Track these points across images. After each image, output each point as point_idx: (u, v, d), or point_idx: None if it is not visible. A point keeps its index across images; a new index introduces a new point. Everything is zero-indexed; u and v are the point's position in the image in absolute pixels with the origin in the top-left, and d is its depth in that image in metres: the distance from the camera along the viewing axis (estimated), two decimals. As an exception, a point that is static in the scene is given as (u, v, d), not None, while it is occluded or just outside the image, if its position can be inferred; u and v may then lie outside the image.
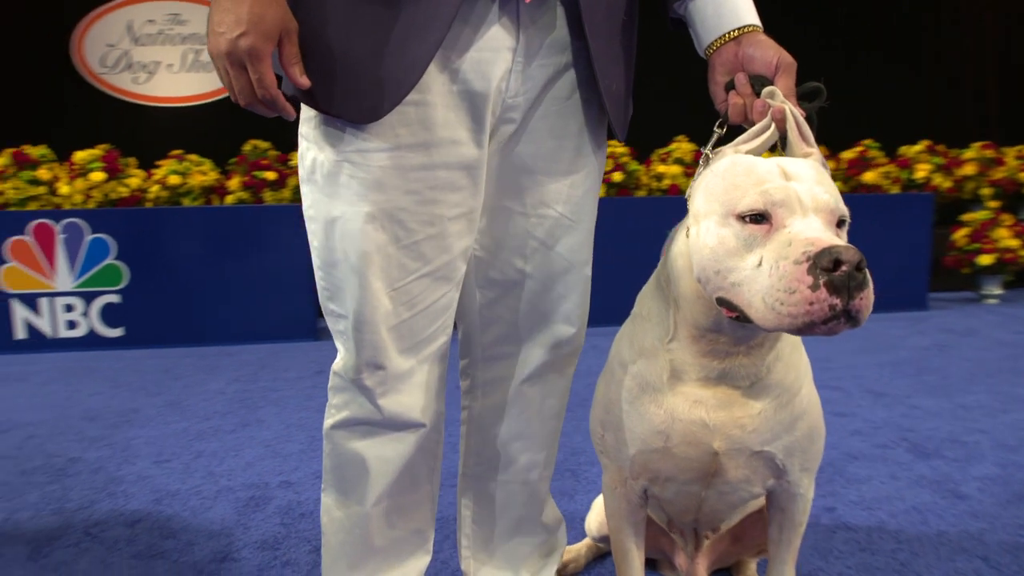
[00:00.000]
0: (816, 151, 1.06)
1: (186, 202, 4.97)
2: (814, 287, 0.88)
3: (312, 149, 1.09)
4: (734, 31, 1.08)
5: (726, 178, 1.00)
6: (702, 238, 1.00)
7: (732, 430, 1.10)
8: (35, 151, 4.78)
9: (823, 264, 0.87)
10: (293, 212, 4.29)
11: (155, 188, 4.92)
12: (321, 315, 4.05)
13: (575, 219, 1.20)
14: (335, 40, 1.02)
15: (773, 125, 1.06)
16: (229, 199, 5.01)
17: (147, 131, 6.32)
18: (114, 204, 4.82)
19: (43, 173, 4.67)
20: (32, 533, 1.96)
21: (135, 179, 4.94)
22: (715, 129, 1.10)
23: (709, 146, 1.08)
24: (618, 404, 1.17)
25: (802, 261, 0.89)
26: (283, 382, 3.48)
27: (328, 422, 1.18)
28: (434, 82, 1.05)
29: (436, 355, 1.18)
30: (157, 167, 4.99)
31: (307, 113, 1.09)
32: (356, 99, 1.03)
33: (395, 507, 1.19)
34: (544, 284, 1.22)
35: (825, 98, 1.10)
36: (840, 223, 0.98)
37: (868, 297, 0.89)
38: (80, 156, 4.83)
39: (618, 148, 5.24)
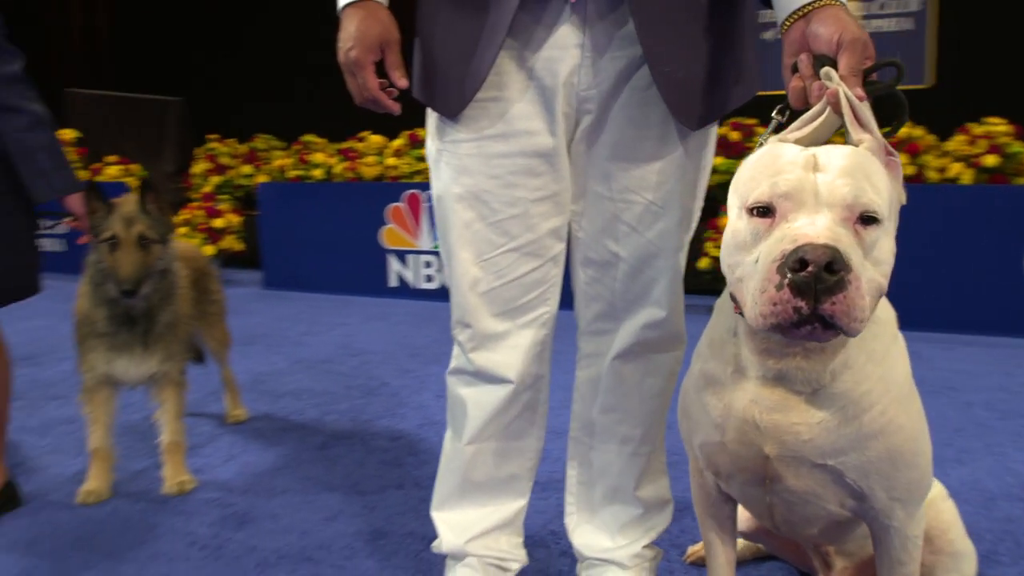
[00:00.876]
0: (869, 137, 0.95)
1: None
2: (779, 287, 0.84)
3: (428, 139, 1.31)
4: (805, 7, 1.01)
5: (750, 169, 0.97)
6: (725, 231, 0.99)
7: (785, 436, 1.05)
8: (423, 132, 5.75)
9: (789, 264, 0.83)
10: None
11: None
12: None
13: (664, 206, 1.23)
14: (437, 47, 1.22)
15: (829, 109, 0.98)
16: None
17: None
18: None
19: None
20: (329, 431, 2.55)
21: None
22: (773, 115, 1.05)
23: (766, 134, 1.03)
24: (689, 393, 1.18)
25: (777, 259, 0.85)
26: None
27: (448, 369, 1.40)
28: (512, 79, 1.19)
29: (536, 323, 1.32)
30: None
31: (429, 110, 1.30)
32: (446, 96, 1.22)
33: (492, 450, 1.37)
34: (635, 267, 1.27)
35: (899, 77, 0.97)
36: (866, 220, 0.88)
37: (844, 302, 0.82)
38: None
39: (999, 125, 4.44)
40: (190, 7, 7.88)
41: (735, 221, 0.96)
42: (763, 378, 1.05)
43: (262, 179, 6.45)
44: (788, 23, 1.02)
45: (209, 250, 5.71)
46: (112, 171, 6.53)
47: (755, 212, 0.92)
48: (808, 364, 1.01)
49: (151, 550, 1.75)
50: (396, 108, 1.22)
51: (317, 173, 6.04)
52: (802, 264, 0.81)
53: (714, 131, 1.26)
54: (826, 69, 0.96)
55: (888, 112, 0.98)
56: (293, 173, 6.24)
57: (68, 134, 6.72)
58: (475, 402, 1.34)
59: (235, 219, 5.87)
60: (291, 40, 7.35)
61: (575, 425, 1.43)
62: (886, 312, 1.06)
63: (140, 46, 8.78)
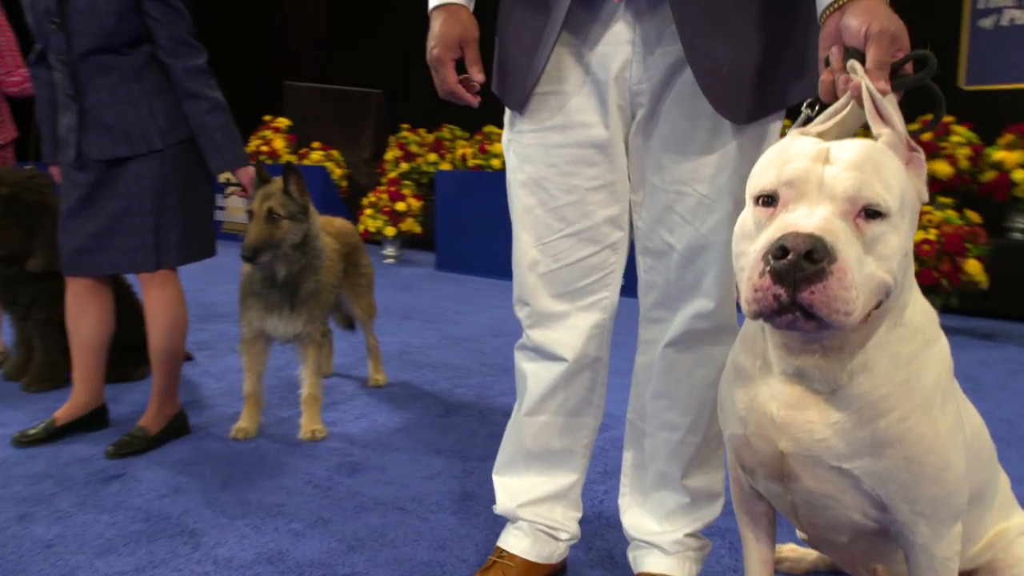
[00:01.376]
0: (889, 131, 0.93)
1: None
2: (761, 274, 0.86)
3: (504, 130, 1.41)
4: (834, 4, 0.99)
5: (764, 159, 0.98)
6: (736, 222, 1.00)
7: (799, 433, 1.04)
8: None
9: (772, 251, 0.84)
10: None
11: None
12: None
13: (716, 199, 1.24)
14: (509, 44, 1.32)
15: (853, 103, 0.96)
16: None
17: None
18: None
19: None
20: (454, 402, 2.74)
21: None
22: (803, 109, 1.04)
23: (794, 127, 1.03)
24: (722, 385, 1.19)
25: (765, 247, 0.87)
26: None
27: (516, 343, 1.50)
28: (570, 74, 1.26)
29: (595, 307, 1.39)
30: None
31: None
32: (512, 91, 1.32)
33: (548, 423, 1.45)
34: (687, 258, 1.29)
35: (931, 70, 0.93)
36: (870, 214, 0.87)
37: (824, 292, 0.82)
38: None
39: None
40: (398, 6, 8.46)
41: (745, 211, 0.98)
42: (785, 374, 1.05)
43: (445, 167, 6.86)
44: (825, 15, 1.01)
45: (390, 231, 6.18)
46: (315, 156, 7.24)
47: (760, 201, 0.94)
48: (826, 363, 1.00)
49: (276, 483, 2.01)
50: (474, 101, 1.34)
51: (496, 163, 6.33)
52: (783, 252, 0.83)
53: (775, 126, 1.25)
54: (851, 62, 0.95)
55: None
56: (473, 162, 6.58)
57: (282, 122, 7.53)
58: (534, 376, 1.44)
59: (416, 204, 6.29)
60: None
61: (631, 409, 1.48)
62: (920, 316, 1.02)
63: (352, 41, 9.59)
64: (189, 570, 1.58)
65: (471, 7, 1.35)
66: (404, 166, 7.18)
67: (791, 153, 0.93)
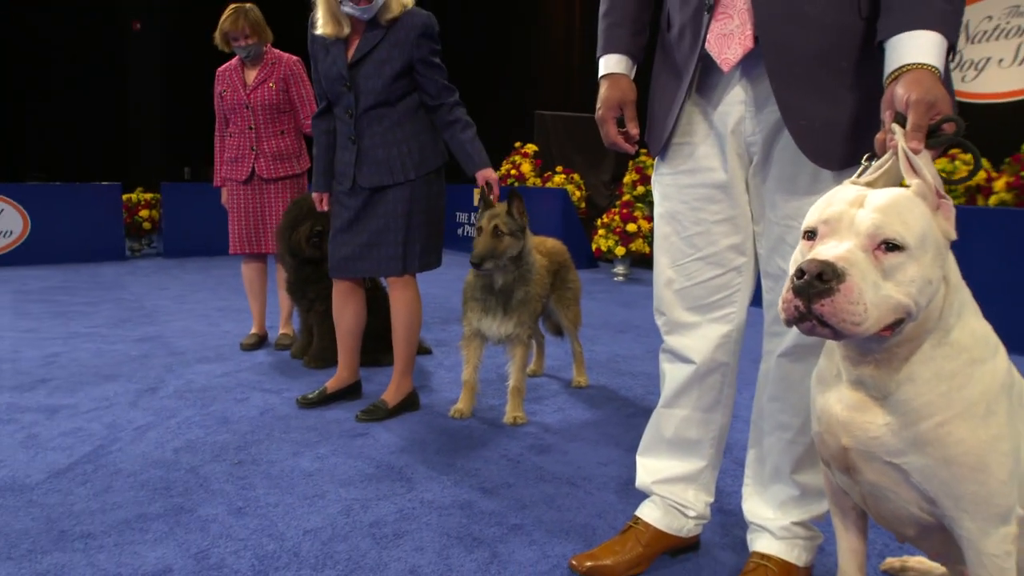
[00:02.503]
0: (919, 181, 1.11)
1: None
2: (787, 290, 1.10)
3: (652, 172, 1.72)
4: (896, 71, 1.19)
5: (818, 203, 1.20)
6: (796, 255, 1.23)
7: (856, 431, 1.24)
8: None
9: (795, 273, 1.09)
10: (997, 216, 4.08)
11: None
12: None
13: (819, 232, 1.45)
14: (655, 104, 1.64)
15: (893, 159, 1.16)
16: (992, 200, 4.94)
17: (971, 129, 6.48)
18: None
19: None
20: (642, 405, 3.03)
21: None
22: (862, 161, 1.23)
23: (854, 176, 1.23)
24: (811, 388, 1.40)
25: (793, 271, 1.11)
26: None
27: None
28: (698, 128, 1.55)
29: (722, 320, 1.64)
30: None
31: None
32: (654, 141, 1.63)
33: (681, 416, 1.71)
34: (797, 281, 1.51)
35: (958, 131, 1.09)
36: (889, 247, 1.07)
37: (831, 305, 1.04)
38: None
39: None
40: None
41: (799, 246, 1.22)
42: (849, 381, 1.26)
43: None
44: (887, 83, 1.21)
45: (620, 251, 6.55)
46: (558, 179, 7.83)
47: (805, 235, 1.18)
48: (877, 373, 1.20)
49: (477, 453, 2.46)
50: (631, 150, 1.68)
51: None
52: (801, 274, 1.07)
53: (877, 169, 1.43)
54: (893, 124, 1.15)
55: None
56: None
57: (530, 148, 8.23)
58: (671, 375, 1.72)
59: (646, 225, 6.60)
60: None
61: (754, 411, 1.70)
62: (968, 338, 1.17)
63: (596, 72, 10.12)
64: (403, 505, 2.06)
65: (632, 75, 1.68)
66: (640, 189, 7.52)
67: (835, 198, 1.16)
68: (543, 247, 3.08)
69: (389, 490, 2.16)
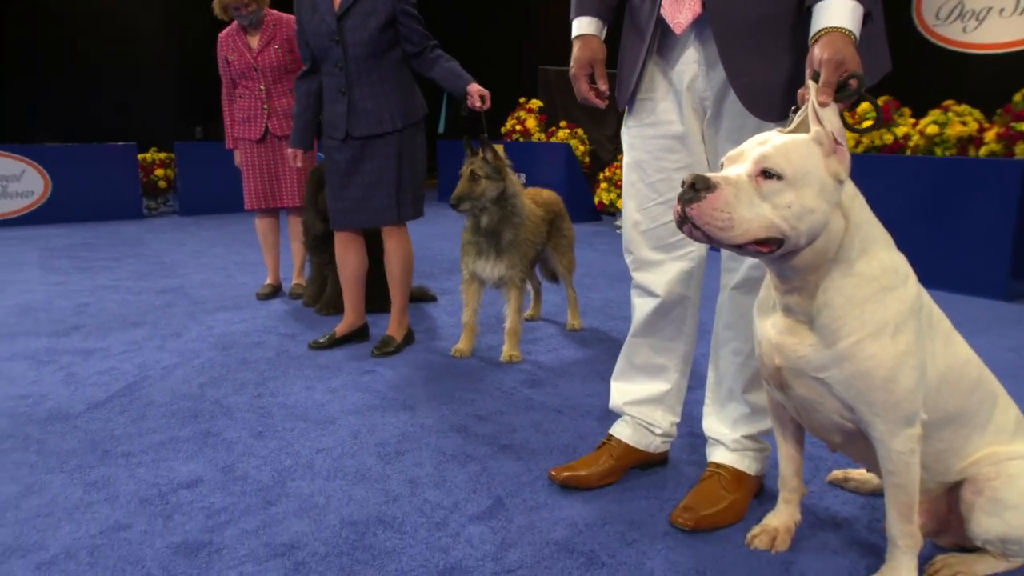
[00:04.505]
0: (816, 129, 1.30)
1: (938, 152, 5.26)
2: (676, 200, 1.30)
3: (622, 125, 1.91)
4: (815, 34, 1.37)
5: None
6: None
7: (787, 351, 1.45)
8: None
9: (681, 184, 1.29)
10: (1006, 168, 4.22)
11: (916, 137, 5.38)
12: (1016, 276, 4.03)
13: (764, 176, 1.64)
14: (621, 63, 1.82)
15: (807, 108, 1.35)
16: (983, 151, 5.06)
17: (971, 80, 6.55)
18: (879, 151, 5.51)
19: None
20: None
21: (903, 128, 5.49)
22: (790, 113, 1.42)
23: (786, 126, 1.42)
24: (754, 315, 1.61)
25: None
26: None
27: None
28: (658, 85, 1.73)
29: (684, 257, 1.84)
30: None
31: None
32: (622, 96, 1.81)
33: (649, 344, 1.93)
34: (747, 221, 1.70)
35: (856, 90, 1.29)
36: (768, 175, 1.26)
37: (699, 208, 1.24)
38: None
39: None
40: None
41: None
42: (781, 309, 1.47)
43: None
44: (810, 45, 1.40)
45: (620, 204, 6.71)
46: (562, 134, 7.95)
47: (720, 166, 1.37)
48: (800, 300, 1.41)
49: (474, 386, 2.70)
50: (602, 104, 1.86)
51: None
52: (683, 184, 1.27)
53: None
54: (809, 80, 1.34)
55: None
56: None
57: (535, 104, 8.34)
58: (638, 307, 1.93)
59: (647, 178, 6.74)
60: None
61: (713, 339, 1.90)
62: (875, 269, 1.36)
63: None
64: (405, 429, 2.30)
65: (602, 36, 1.86)
66: (643, 143, 7.64)
67: (749, 140, 1.35)
68: (539, 197, 3.27)
69: (393, 417, 2.40)
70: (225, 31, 4.03)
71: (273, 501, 1.85)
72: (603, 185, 6.87)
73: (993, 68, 6.52)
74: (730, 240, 1.26)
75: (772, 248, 1.30)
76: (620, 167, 6.57)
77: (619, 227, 6.90)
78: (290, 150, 3.17)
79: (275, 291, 4.27)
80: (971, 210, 4.28)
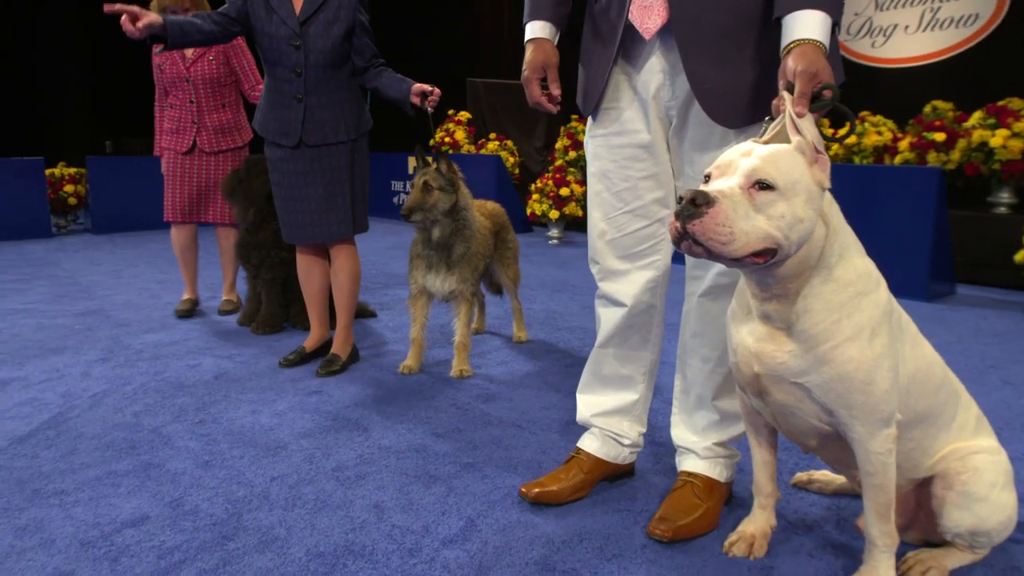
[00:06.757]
0: (799, 139, 1.31)
1: (856, 160, 5.49)
2: (672, 215, 1.29)
3: (585, 134, 1.89)
4: (787, 46, 1.38)
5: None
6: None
7: (766, 359, 1.45)
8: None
9: (677, 199, 1.28)
10: (922, 175, 4.42)
11: (835, 147, 5.60)
12: (934, 278, 4.20)
13: (730, 184, 1.65)
14: (585, 70, 1.80)
15: (784, 118, 1.36)
16: (897, 159, 5.31)
17: (881, 93, 6.86)
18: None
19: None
20: (580, 356, 3.23)
21: (822, 137, 5.70)
22: (764, 122, 1.43)
23: (758, 136, 1.43)
24: (727, 324, 1.61)
25: None
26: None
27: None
28: (623, 94, 1.72)
29: (650, 267, 1.83)
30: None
31: None
32: (586, 104, 1.79)
33: (615, 355, 1.91)
34: (713, 229, 1.71)
35: (829, 100, 1.31)
36: (762, 186, 1.26)
37: (700, 225, 1.23)
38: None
39: None
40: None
41: None
42: (758, 317, 1.46)
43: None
44: (782, 56, 1.41)
45: (554, 214, 6.75)
46: (491, 146, 7.95)
47: (704, 179, 1.36)
48: (779, 307, 1.41)
49: (428, 404, 2.63)
50: (554, 110, 1.83)
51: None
52: (680, 200, 1.26)
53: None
54: (783, 92, 1.35)
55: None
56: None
57: (463, 115, 8.31)
58: (604, 318, 1.91)
59: (579, 189, 6.80)
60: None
61: (679, 347, 1.90)
62: (851, 274, 1.38)
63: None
64: (362, 451, 2.21)
65: (555, 41, 1.83)
66: (572, 154, 7.71)
67: (731, 151, 1.35)
68: (483, 209, 3.23)
69: (347, 439, 2.31)
70: None
71: (230, 536, 1.74)
72: (535, 196, 6.88)
73: (902, 80, 6.86)
74: (730, 254, 1.25)
75: (767, 258, 1.29)
76: (551, 179, 6.60)
77: (553, 238, 6.92)
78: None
79: (194, 306, 4.09)
80: (890, 216, 4.47)
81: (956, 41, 6.52)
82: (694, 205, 1.24)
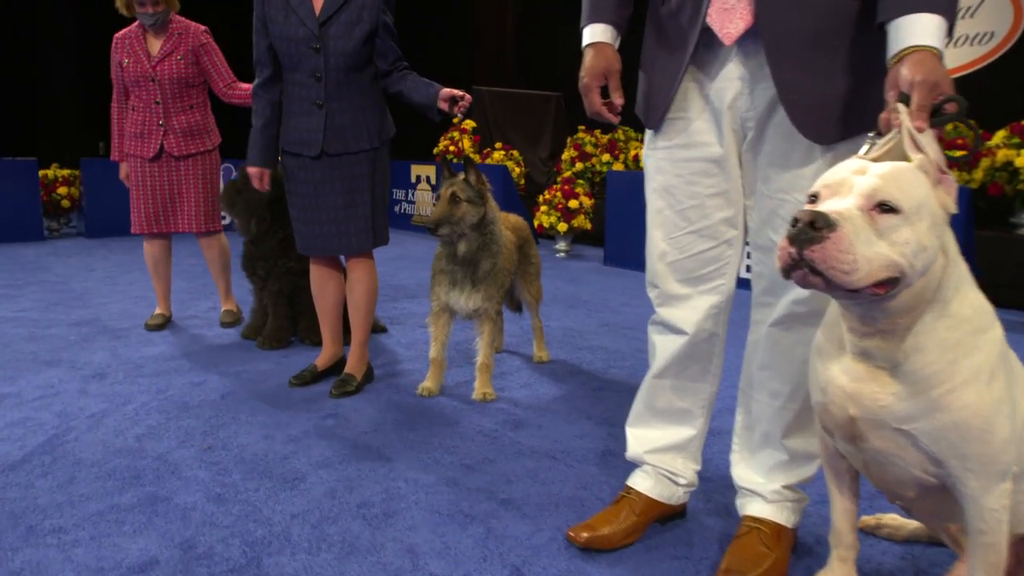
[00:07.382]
0: (921, 157, 1.16)
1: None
2: (783, 239, 1.13)
3: (644, 146, 1.73)
4: (900, 53, 1.23)
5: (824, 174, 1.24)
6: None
7: (865, 400, 1.29)
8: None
9: (791, 222, 1.12)
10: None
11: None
12: None
13: (811, 205, 1.50)
14: (649, 78, 1.64)
15: (898, 136, 1.21)
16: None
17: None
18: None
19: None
20: (607, 378, 3.07)
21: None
22: (868, 137, 1.27)
23: (860, 153, 1.28)
24: (811, 360, 1.44)
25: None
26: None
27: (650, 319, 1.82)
28: (694, 103, 1.57)
29: (713, 291, 1.67)
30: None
31: None
32: (650, 115, 1.64)
33: (672, 386, 1.75)
34: (789, 253, 1.55)
35: (961, 111, 1.15)
36: (885, 209, 1.11)
37: (821, 251, 1.08)
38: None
39: None
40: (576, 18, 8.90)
41: None
42: (854, 353, 1.30)
43: (618, 167, 7.17)
44: (890, 64, 1.25)
45: (562, 227, 6.59)
46: (497, 155, 7.80)
47: (809, 199, 1.21)
48: (885, 344, 1.25)
49: (452, 430, 2.46)
50: (615, 120, 1.68)
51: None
52: (795, 222, 1.10)
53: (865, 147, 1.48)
54: (897, 105, 1.20)
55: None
56: (643, 163, 6.84)
57: (469, 124, 8.16)
58: (661, 346, 1.75)
59: (587, 201, 6.66)
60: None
61: (743, 379, 1.74)
62: (967, 309, 1.22)
63: (534, 48, 10.11)
64: (388, 485, 2.04)
65: (616, 45, 1.68)
66: (579, 165, 7.57)
67: (840, 167, 1.20)
68: (507, 222, 3.07)
69: (370, 470, 2.13)
70: (123, 31, 3.65)
71: (250, 585, 1.56)
72: (543, 208, 6.73)
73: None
74: (852, 284, 1.09)
75: (887, 289, 1.14)
76: (559, 190, 6.45)
77: (560, 251, 6.76)
78: (254, 169, 2.79)
79: (166, 321, 3.90)
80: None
81: (972, 59, 6.41)
82: (813, 228, 1.08)
